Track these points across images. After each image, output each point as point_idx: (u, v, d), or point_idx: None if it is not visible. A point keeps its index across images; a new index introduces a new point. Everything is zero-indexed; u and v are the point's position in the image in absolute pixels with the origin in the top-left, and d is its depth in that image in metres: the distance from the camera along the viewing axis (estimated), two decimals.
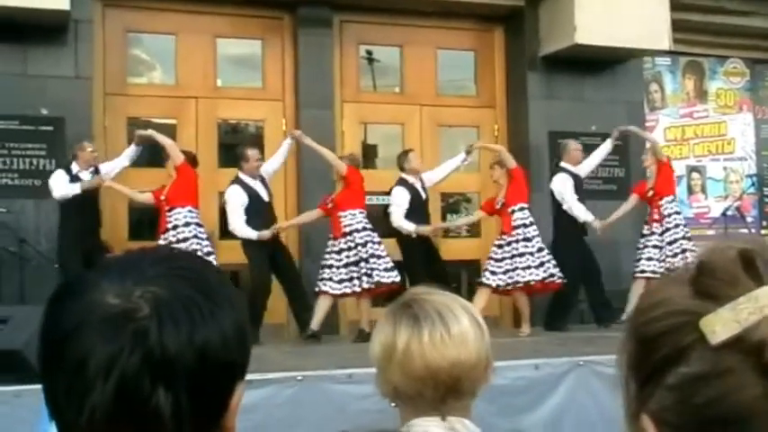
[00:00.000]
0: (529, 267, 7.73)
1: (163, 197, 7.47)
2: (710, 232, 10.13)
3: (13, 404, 4.62)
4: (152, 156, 8.19)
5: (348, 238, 7.55)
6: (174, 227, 7.39)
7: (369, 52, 9.89)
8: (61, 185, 7.43)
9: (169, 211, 7.44)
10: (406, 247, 7.94)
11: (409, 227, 7.83)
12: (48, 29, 7.91)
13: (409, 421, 1.55)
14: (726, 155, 10.91)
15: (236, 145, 8.49)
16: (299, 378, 5.74)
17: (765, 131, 11.29)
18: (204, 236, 7.52)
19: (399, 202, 7.94)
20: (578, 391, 5.48)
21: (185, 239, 7.30)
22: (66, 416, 0.86)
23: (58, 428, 0.88)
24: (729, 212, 9.31)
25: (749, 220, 10.25)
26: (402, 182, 8.04)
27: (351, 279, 7.55)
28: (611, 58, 9.55)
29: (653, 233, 8.33)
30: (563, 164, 8.55)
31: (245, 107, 9.28)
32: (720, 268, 0.73)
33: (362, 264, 7.51)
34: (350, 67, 9.58)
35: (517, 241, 7.79)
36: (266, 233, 7.51)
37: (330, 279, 7.56)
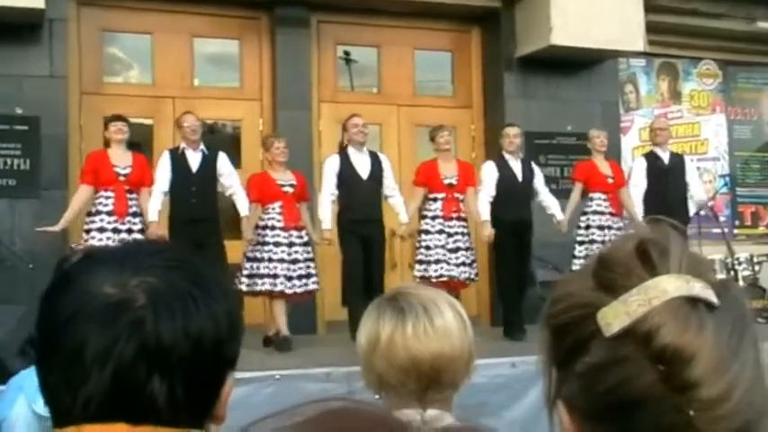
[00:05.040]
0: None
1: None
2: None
3: None
4: None
5: None
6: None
7: (346, 53, 9.90)
8: None
9: None
10: None
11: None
12: (22, 27, 7.85)
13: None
14: (699, 155, 11.03)
15: (212, 146, 8.45)
16: (277, 377, 5.76)
17: (738, 132, 11.42)
18: None
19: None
20: None
21: None
22: (62, 403, 0.88)
23: (53, 416, 0.89)
24: (702, 212, 9.39)
25: (722, 219, 10.37)
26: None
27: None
28: (587, 59, 9.63)
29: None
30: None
31: (223, 107, 9.27)
32: (617, 261, 0.76)
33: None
34: (327, 67, 9.60)
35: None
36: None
37: None
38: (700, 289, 0.74)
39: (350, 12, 9.38)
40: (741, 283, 9.66)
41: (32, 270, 7.35)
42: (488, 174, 8.05)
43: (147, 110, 8.93)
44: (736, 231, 10.93)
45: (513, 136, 8.15)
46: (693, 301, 0.74)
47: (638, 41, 9.39)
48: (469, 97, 10.03)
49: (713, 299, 0.74)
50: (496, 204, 7.95)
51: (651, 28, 9.55)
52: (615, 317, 0.74)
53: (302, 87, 9.16)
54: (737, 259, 9.70)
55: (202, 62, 9.37)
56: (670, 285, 0.74)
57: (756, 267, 9.87)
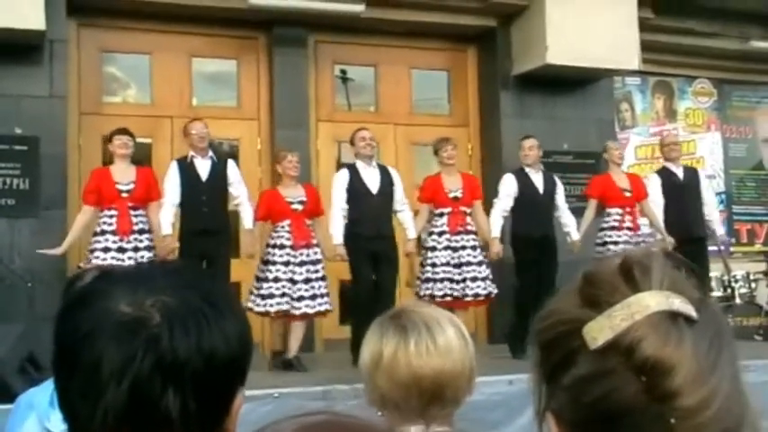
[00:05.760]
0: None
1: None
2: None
3: None
4: None
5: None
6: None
7: (343, 71, 9.96)
8: None
9: None
10: None
11: None
12: (23, 48, 7.89)
13: (395, 429, 1.60)
14: None
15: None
16: (276, 395, 5.78)
17: (733, 150, 11.49)
18: None
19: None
20: None
21: None
22: (80, 417, 0.91)
23: (70, 429, 0.93)
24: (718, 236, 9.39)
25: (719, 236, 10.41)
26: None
27: None
28: (583, 78, 9.69)
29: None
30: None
31: (221, 126, 9.29)
32: (602, 278, 0.81)
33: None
34: (325, 86, 9.65)
35: None
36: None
37: None
38: (679, 304, 0.78)
39: (347, 31, 9.45)
40: (738, 300, 9.70)
41: (31, 289, 7.37)
42: (507, 186, 7.84)
43: (145, 129, 8.96)
44: (732, 249, 10.96)
45: (528, 148, 7.94)
46: (674, 316, 0.78)
47: (633, 60, 9.46)
48: (466, 116, 10.08)
49: (693, 314, 0.78)
50: (516, 219, 7.74)
51: (646, 47, 9.63)
52: (600, 331, 0.78)
53: (300, 106, 9.21)
54: (734, 277, 9.75)
55: (201, 82, 9.42)
56: (652, 301, 0.78)
57: (753, 285, 9.92)
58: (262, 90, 9.35)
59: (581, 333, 0.79)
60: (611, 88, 10.40)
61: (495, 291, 7.62)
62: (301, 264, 7.13)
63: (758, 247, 11.34)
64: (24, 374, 5.63)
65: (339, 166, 9.50)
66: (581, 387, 0.79)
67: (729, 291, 9.69)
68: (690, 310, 0.79)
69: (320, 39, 9.50)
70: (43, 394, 1.87)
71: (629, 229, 8.09)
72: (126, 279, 0.96)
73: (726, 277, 9.63)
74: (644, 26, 9.55)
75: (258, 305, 7.11)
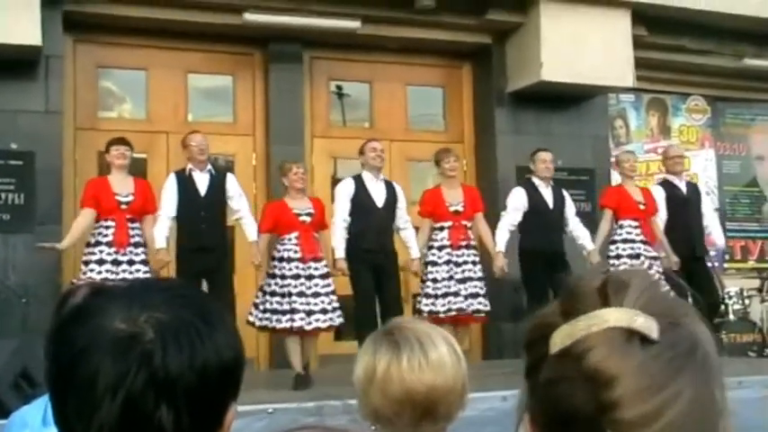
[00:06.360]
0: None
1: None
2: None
3: None
4: None
5: None
6: None
7: (339, 87, 10.00)
8: None
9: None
10: None
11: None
12: (19, 64, 7.92)
13: None
14: None
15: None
16: (270, 411, 5.77)
17: (727, 167, 11.54)
18: None
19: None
20: None
21: None
22: (75, 430, 0.92)
23: None
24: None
25: (712, 254, 10.44)
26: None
27: None
28: (577, 95, 9.74)
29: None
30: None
31: (216, 141, 9.26)
32: (581, 292, 0.85)
33: None
34: (320, 102, 9.69)
35: None
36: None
37: None
38: (641, 324, 0.81)
39: (342, 48, 9.49)
40: (732, 317, 9.71)
41: (26, 304, 7.37)
42: (516, 200, 7.73)
43: (141, 144, 8.94)
44: (726, 265, 10.99)
45: (545, 161, 7.85)
46: (630, 333, 0.80)
47: (627, 77, 9.51)
48: (461, 132, 10.12)
49: (653, 334, 0.80)
50: (525, 233, 7.61)
51: (640, 64, 9.69)
52: (562, 338, 0.82)
53: (295, 122, 9.24)
54: (728, 293, 9.76)
55: (196, 97, 9.45)
56: (611, 316, 0.81)
57: (746, 301, 9.94)
58: (257, 106, 9.37)
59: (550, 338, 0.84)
60: (606, 105, 10.45)
61: (488, 308, 7.50)
62: (310, 277, 6.92)
63: (751, 263, 11.36)
64: (18, 390, 5.61)
65: (334, 181, 9.52)
66: (545, 390, 0.83)
67: (723, 307, 9.70)
68: (651, 331, 0.81)
69: (316, 55, 9.54)
70: (36, 411, 1.87)
71: (642, 242, 7.94)
72: (120, 296, 0.97)
73: (719, 294, 9.65)
74: (638, 43, 9.61)
75: (261, 320, 6.93)
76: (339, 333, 8.23)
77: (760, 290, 10.20)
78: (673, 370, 0.79)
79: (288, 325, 6.84)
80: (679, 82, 11.02)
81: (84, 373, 0.91)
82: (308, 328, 6.86)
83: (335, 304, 6.98)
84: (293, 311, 6.82)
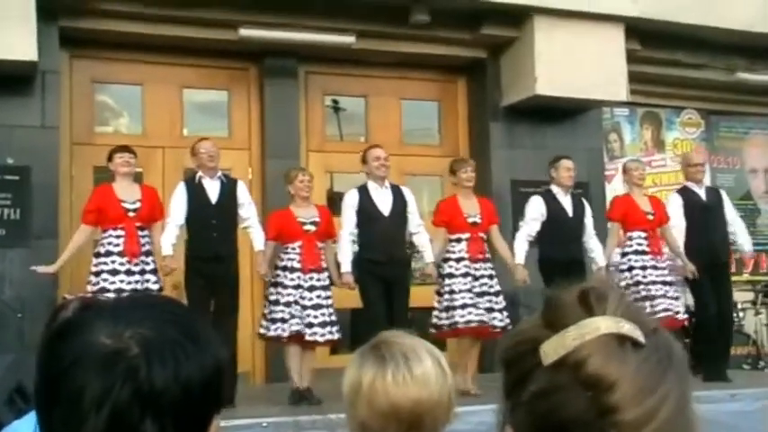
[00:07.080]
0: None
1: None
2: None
3: None
4: None
5: None
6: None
7: (334, 101, 10.04)
8: None
9: None
10: None
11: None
12: (15, 79, 7.95)
13: None
14: None
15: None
16: (265, 425, 5.78)
17: (721, 180, 11.57)
18: None
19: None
20: None
21: None
22: None
23: None
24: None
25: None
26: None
27: None
28: (571, 108, 9.78)
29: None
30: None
31: None
32: (562, 303, 0.88)
33: None
34: (315, 116, 9.73)
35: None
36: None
37: None
38: (628, 329, 0.85)
39: (337, 62, 9.54)
40: None
41: (21, 319, 7.37)
42: (534, 210, 7.61)
43: (136, 159, 8.98)
44: None
45: (566, 169, 7.71)
46: (621, 339, 0.84)
47: (621, 91, 9.56)
48: (456, 146, 10.16)
49: (640, 339, 0.85)
50: (543, 243, 7.49)
51: (634, 78, 9.74)
52: (553, 349, 0.85)
53: (291, 137, 9.27)
54: None
55: (192, 112, 9.48)
56: (602, 324, 0.85)
57: (741, 314, 9.95)
58: (253, 120, 9.41)
59: (538, 351, 0.86)
60: (600, 119, 10.50)
61: (504, 323, 7.31)
62: (311, 289, 6.87)
63: (746, 276, 11.38)
64: (12, 405, 5.61)
65: (330, 196, 9.56)
66: (535, 401, 0.85)
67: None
68: (638, 336, 0.85)
69: (311, 70, 9.59)
70: (26, 426, 1.88)
71: (652, 253, 7.80)
72: (107, 312, 1.00)
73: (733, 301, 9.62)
74: (632, 57, 9.68)
75: (270, 330, 6.89)
76: (335, 346, 8.22)
77: (754, 303, 10.21)
78: (661, 372, 0.84)
79: (292, 331, 6.80)
80: (673, 96, 11.08)
81: (70, 386, 0.93)
82: (309, 339, 6.83)
83: (334, 318, 6.95)
84: (293, 317, 6.82)
